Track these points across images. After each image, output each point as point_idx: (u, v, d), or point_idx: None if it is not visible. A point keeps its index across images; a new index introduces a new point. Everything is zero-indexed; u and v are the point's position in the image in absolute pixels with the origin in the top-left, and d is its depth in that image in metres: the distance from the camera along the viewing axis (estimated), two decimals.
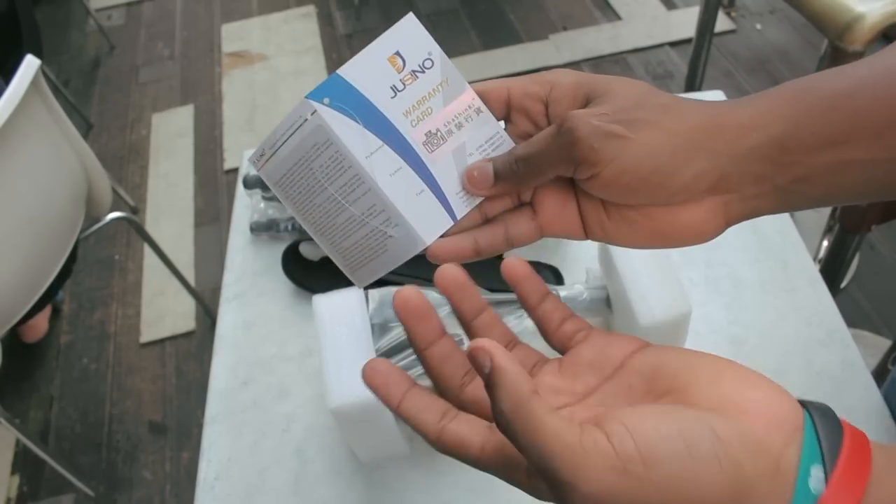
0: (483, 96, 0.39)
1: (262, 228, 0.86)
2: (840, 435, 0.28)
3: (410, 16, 0.39)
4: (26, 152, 1.15)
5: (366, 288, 0.63)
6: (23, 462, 1.67)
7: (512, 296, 0.70)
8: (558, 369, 0.36)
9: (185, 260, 1.98)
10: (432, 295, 0.68)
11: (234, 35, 2.73)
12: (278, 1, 2.84)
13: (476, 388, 0.35)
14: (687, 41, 2.31)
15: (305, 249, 0.83)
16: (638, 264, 0.63)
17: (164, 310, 1.90)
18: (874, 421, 0.65)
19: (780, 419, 0.29)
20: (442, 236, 0.39)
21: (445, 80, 0.39)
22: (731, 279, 0.77)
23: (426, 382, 0.39)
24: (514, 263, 0.38)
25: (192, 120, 2.42)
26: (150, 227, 2.06)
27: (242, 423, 0.72)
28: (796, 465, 0.27)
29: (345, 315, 0.62)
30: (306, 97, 0.37)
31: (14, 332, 1.81)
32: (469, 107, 0.39)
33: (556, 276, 0.77)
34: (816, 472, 0.27)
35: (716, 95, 0.92)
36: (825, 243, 1.35)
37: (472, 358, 0.28)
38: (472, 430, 0.32)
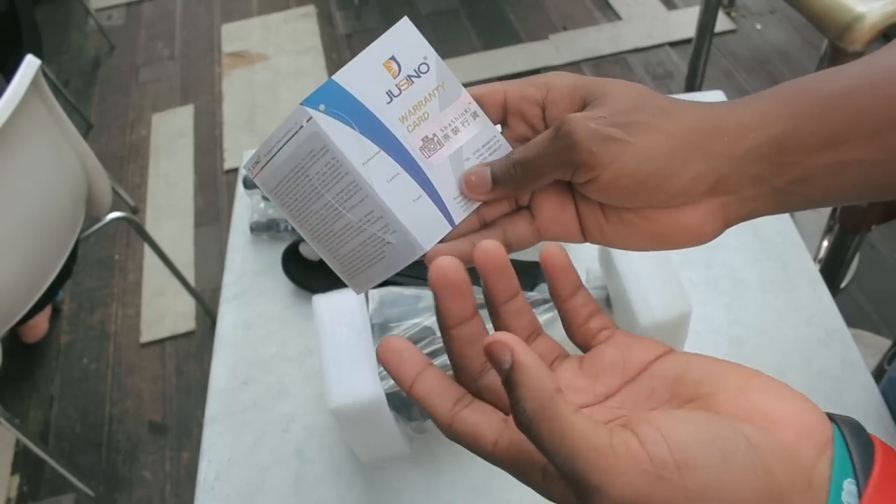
0: (479, 100, 0.39)
1: (262, 228, 0.86)
2: (871, 449, 0.28)
3: (405, 20, 0.38)
4: (26, 152, 1.15)
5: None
6: (23, 462, 1.67)
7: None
8: (579, 367, 0.34)
9: (185, 260, 1.98)
10: (432, 294, 0.68)
11: (234, 35, 2.73)
12: (278, 1, 2.84)
13: (495, 376, 0.34)
14: (687, 41, 2.31)
15: (305, 249, 0.83)
16: (638, 264, 0.63)
17: (164, 310, 1.90)
18: (874, 421, 0.65)
19: (811, 430, 0.28)
20: (440, 241, 0.38)
21: (441, 84, 0.39)
22: (731, 279, 0.77)
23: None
24: (554, 252, 0.35)
25: (192, 120, 2.42)
26: (150, 227, 2.06)
27: (242, 423, 0.72)
28: (828, 479, 0.27)
29: (345, 315, 0.62)
30: (301, 104, 0.37)
31: (14, 332, 1.81)
32: (465, 111, 0.39)
33: None
34: (849, 487, 0.27)
35: (716, 96, 0.92)
36: (825, 243, 1.35)
37: (490, 353, 0.26)
38: (487, 422, 0.31)
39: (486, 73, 2.35)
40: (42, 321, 1.86)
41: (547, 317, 0.68)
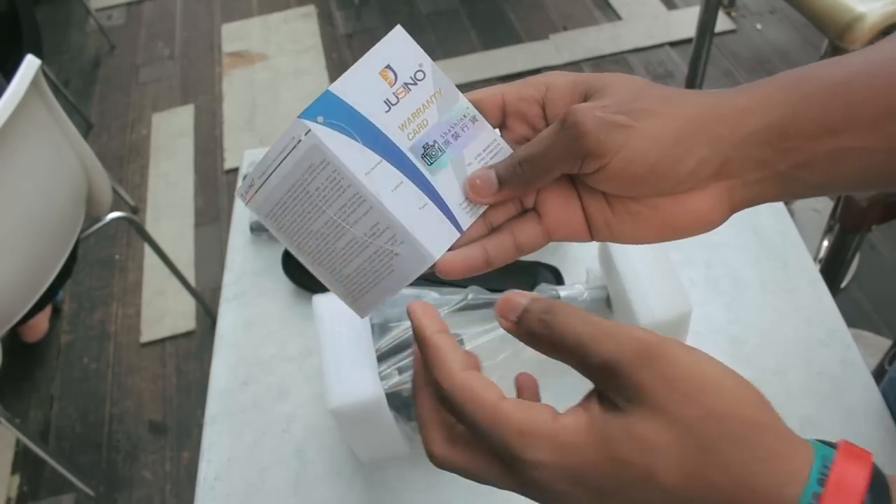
0: (477, 104, 0.39)
1: (263, 228, 0.86)
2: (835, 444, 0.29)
3: (398, 28, 0.38)
4: (26, 152, 1.15)
5: None
6: (23, 462, 1.67)
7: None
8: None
9: (185, 260, 1.98)
10: (432, 295, 0.68)
11: (235, 35, 2.73)
12: (278, 1, 2.84)
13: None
14: (687, 41, 2.31)
15: None
16: (638, 264, 0.63)
17: (164, 310, 1.90)
18: (874, 421, 0.65)
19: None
20: (448, 249, 0.38)
21: (438, 90, 0.38)
22: (731, 279, 0.77)
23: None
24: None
25: (192, 120, 2.42)
26: (151, 227, 2.06)
27: (242, 423, 0.72)
28: (809, 442, 0.29)
29: (345, 315, 0.62)
30: (299, 117, 0.36)
31: (14, 332, 1.81)
32: (464, 116, 0.39)
33: (556, 276, 0.77)
34: (827, 445, 0.29)
35: None
36: (825, 243, 1.35)
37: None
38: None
39: (486, 73, 2.35)
40: (42, 321, 1.86)
41: None
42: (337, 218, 0.38)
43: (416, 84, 0.38)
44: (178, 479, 1.61)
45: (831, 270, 1.12)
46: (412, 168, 0.38)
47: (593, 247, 0.70)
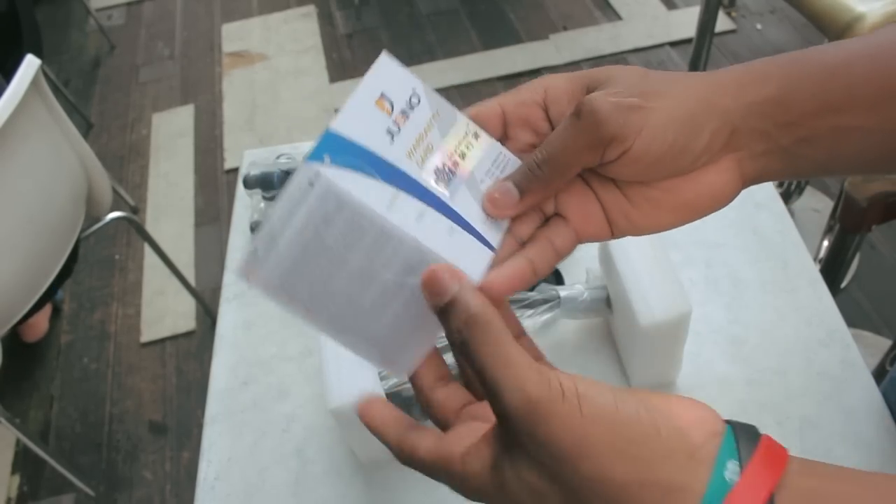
0: (477, 119, 0.38)
1: None
2: (757, 441, 0.29)
3: (384, 55, 0.37)
4: (27, 152, 1.15)
5: None
6: (23, 462, 1.67)
7: (511, 296, 0.70)
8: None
9: (185, 260, 1.98)
10: None
11: (235, 35, 2.73)
12: (278, 1, 2.84)
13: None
14: (687, 41, 2.31)
15: None
16: (638, 264, 0.63)
17: (164, 309, 1.90)
18: (874, 421, 0.65)
19: (704, 420, 0.30)
20: (490, 269, 0.37)
21: (436, 112, 0.37)
22: (731, 279, 0.77)
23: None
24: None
25: (192, 120, 2.42)
26: (151, 227, 2.06)
27: (242, 423, 0.72)
28: (714, 458, 0.29)
29: None
30: (305, 160, 0.34)
31: (14, 332, 1.81)
32: (466, 133, 0.38)
33: (556, 276, 0.77)
34: (732, 466, 0.28)
35: None
36: (825, 243, 1.35)
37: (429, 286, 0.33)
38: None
39: (486, 73, 2.35)
40: (42, 321, 1.86)
41: (546, 317, 0.68)
42: (364, 265, 0.35)
43: (413, 109, 0.37)
44: (178, 479, 1.61)
45: (831, 270, 1.12)
46: (430, 195, 0.36)
47: (593, 246, 0.70)
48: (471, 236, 0.37)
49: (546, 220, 0.39)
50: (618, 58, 2.37)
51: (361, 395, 0.38)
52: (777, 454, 0.29)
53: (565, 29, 2.51)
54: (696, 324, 0.72)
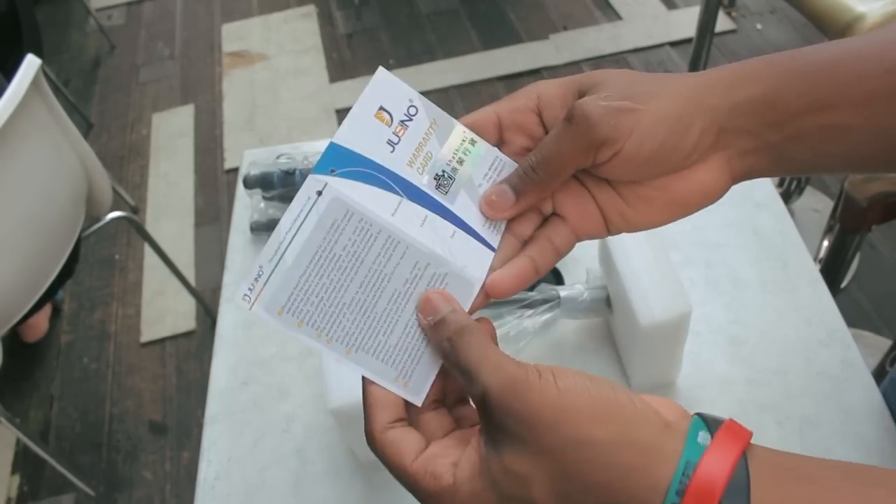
0: (473, 126, 0.40)
1: (263, 228, 0.86)
2: (722, 421, 0.31)
3: (381, 70, 0.38)
4: (27, 152, 1.15)
5: None
6: (23, 461, 1.67)
7: (513, 296, 0.70)
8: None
9: (185, 260, 1.98)
10: None
11: (235, 35, 2.73)
12: (278, 1, 2.84)
13: None
14: (687, 41, 2.31)
15: None
16: (638, 264, 0.63)
17: (164, 309, 1.90)
18: (874, 421, 0.65)
19: (671, 405, 0.32)
20: (490, 270, 0.39)
21: (434, 121, 0.39)
22: (731, 279, 0.77)
23: None
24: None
25: (192, 120, 2.42)
26: (151, 227, 2.06)
27: (242, 423, 0.72)
28: (685, 430, 0.31)
29: None
30: (311, 173, 0.35)
31: (14, 332, 1.81)
32: (463, 140, 0.39)
33: (556, 276, 0.77)
34: (703, 434, 0.30)
35: None
36: (825, 243, 1.35)
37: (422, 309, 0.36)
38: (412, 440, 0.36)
39: (486, 73, 2.35)
40: (42, 321, 1.86)
41: (546, 317, 0.68)
42: (374, 269, 0.36)
43: (411, 120, 0.38)
44: (178, 479, 1.61)
45: (831, 270, 1.11)
46: (432, 201, 0.38)
47: (593, 247, 0.70)
48: (472, 238, 0.38)
49: (545, 220, 0.40)
50: (618, 58, 2.37)
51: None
52: (741, 429, 0.30)
53: (565, 29, 2.51)
54: (696, 324, 0.72)
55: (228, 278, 0.85)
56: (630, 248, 0.64)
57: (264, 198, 0.87)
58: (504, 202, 0.38)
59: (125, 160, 2.33)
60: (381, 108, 0.38)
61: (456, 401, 0.39)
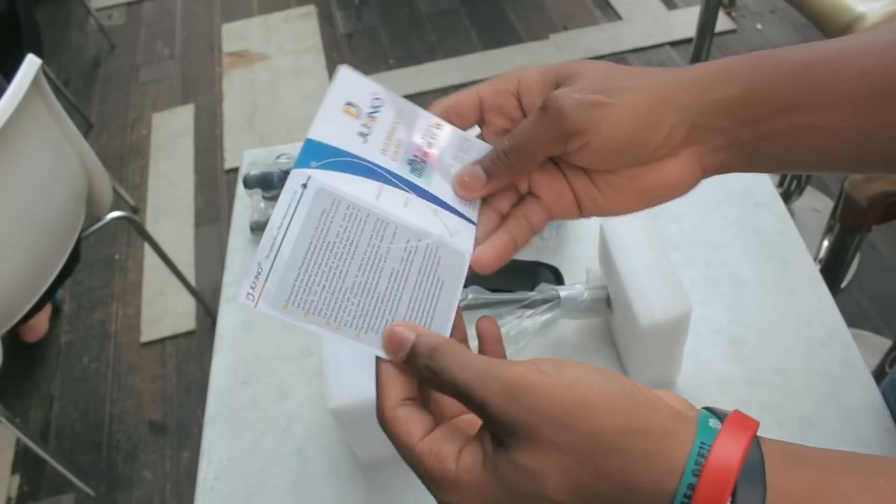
0: (455, 106, 0.41)
1: (262, 228, 0.86)
2: (728, 412, 0.31)
3: (343, 67, 0.40)
4: (27, 152, 1.15)
5: None
6: (23, 461, 1.67)
7: (512, 296, 0.71)
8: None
9: (185, 259, 1.98)
10: None
11: (235, 35, 2.73)
12: (278, 1, 2.84)
13: None
14: (687, 41, 2.31)
15: None
16: (638, 264, 0.63)
17: (164, 309, 1.90)
18: (874, 421, 0.65)
19: (678, 399, 0.33)
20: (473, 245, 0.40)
21: (399, 111, 0.41)
22: (731, 279, 0.77)
23: None
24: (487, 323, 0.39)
25: (192, 119, 2.42)
26: (151, 227, 2.06)
27: (242, 423, 0.72)
28: (695, 418, 0.31)
29: None
30: (293, 168, 0.36)
31: (14, 332, 1.81)
32: (428, 125, 0.41)
33: (556, 276, 0.77)
34: (713, 421, 0.31)
35: None
36: (825, 243, 1.35)
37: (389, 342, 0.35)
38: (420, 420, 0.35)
39: (486, 72, 2.34)
40: (42, 321, 1.86)
41: (546, 317, 0.68)
42: (369, 253, 0.37)
43: (378, 111, 0.40)
44: (178, 479, 1.61)
45: (831, 270, 1.12)
46: (409, 183, 0.40)
47: (593, 247, 0.70)
48: (452, 214, 0.40)
49: (521, 198, 0.42)
50: (618, 58, 2.37)
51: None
52: (749, 418, 0.31)
53: (565, 29, 2.51)
54: (696, 324, 0.72)
55: (228, 278, 0.85)
56: (630, 248, 0.64)
57: (264, 198, 0.87)
58: (476, 183, 0.40)
59: (125, 160, 2.33)
60: (348, 103, 0.40)
61: None
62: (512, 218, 0.41)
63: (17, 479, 1.65)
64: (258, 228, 0.86)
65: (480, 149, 0.42)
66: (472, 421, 0.35)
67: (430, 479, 0.33)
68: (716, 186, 0.82)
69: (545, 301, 0.68)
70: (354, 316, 0.36)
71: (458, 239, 0.39)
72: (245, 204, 0.90)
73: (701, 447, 0.29)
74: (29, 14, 1.50)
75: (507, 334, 0.66)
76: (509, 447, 0.31)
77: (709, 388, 0.69)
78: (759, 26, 2.42)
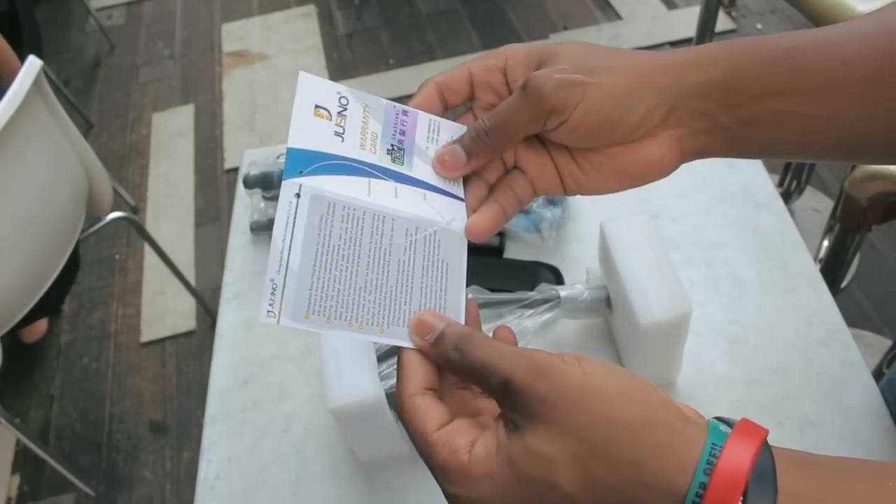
0: (448, 82, 0.42)
1: (262, 228, 0.86)
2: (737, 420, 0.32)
3: (302, 74, 0.41)
4: (28, 153, 1.15)
5: None
6: (23, 461, 1.67)
7: (512, 296, 0.71)
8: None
9: (185, 259, 1.98)
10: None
11: (235, 35, 2.73)
12: (278, 1, 2.84)
13: None
14: (687, 41, 2.31)
15: None
16: (638, 264, 0.63)
17: (164, 309, 1.90)
18: (873, 421, 0.65)
19: (686, 406, 0.33)
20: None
21: (365, 105, 0.42)
22: (731, 279, 0.77)
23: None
24: None
25: (192, 119, 2.42)
26: (151, 227, 2.06)
27: (242, 423, 0.72)
28: (705, 423, 0.31)
29: None
30: (283, 180, 0.37)
31: (14, 332, 1.81)
32: (396, 114, 0.42)
33: (556, 276, 0.77)
34: (723, 426, 0.31)
35: None
36: (825, 243, 1.35)
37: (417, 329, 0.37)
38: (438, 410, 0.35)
39: None
40: (42, 321, 1.86)
41: (546, 317, 0.68)
42: (373, 249, 0.38)
43: (346, 109, 0.41)
44: (178, 479, 1.61)
45: (831, 270, 1.12)
46: (394, 173, 0.40)
47: (593, 247, 0.70)
48: (440, 195, 0.41)
49: (508, 172, 0.43)
50: None
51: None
52: (758, 426, 0.31)
53: (565, 29, 2.51)
54: (696, 324, 0.72)
55: (228, 278, 0.85)
56: (630, 248, 0.64)
57: (264, 198, 0.87)
58: (456, 162, 0.41)
59: (125, 160, 2.33)
60: (317, 107, 0.40)
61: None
62: (500, 189, 0.43)
63: (17, 479, 1.65)
64: (258, 228, 0.86)
65: (450, 128, 0.43)
66: (486, 422, 0.35)
67: (441, 469, 0.33)
68: (716, 186, 0.82)
69: (545, 301, 0.68)
70: (374, 314, 0.37)
71: (452, 217, 0.40)
72: (245, 204, 0.90)
73: (713, 447, 0.29)
74: (29, 14, 1.50)
75: None
76: (524, 430, 0.31)
77: (709, 388, 0.69)
78: (759, 26, 2.42)
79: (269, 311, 0.35)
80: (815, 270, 0.77)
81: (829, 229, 1.37)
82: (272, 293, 0.35)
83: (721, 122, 0.39)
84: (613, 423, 0.30)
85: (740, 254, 0.79)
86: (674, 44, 2.38)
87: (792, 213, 0.92)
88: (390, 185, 0.40)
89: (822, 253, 1.28)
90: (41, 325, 1.86)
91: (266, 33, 2.71)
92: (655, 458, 0.29)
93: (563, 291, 0.69)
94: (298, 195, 0.37)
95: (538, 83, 0.38)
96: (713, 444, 0.29)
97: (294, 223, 0.36)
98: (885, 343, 1.50)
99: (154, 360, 1.81)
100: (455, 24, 2.59)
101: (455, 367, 0.36)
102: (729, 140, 0.39)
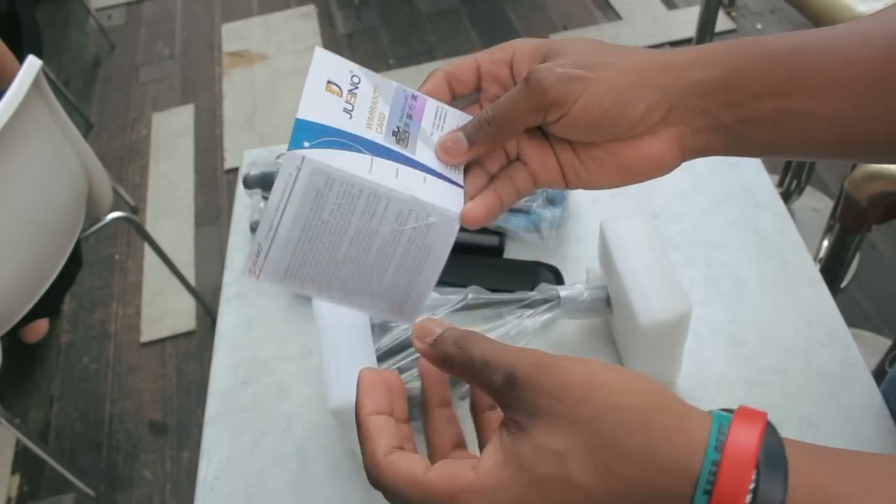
0: (456, 72, 0.43)
1: None
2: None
3: (318, 49, 0.42)
4: (28, 153, 1.15)
5: None
6: (23, 461, 1.67)
7: (512, 296, 0.71)
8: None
9: (185, 259, 1.98)
10: (432, 295, 0.68)
11: (235, 35, 2.73)
12: (278, 0, 2.84)
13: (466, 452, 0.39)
14: (687, 41, 2.31)
15: None
16: (638, 264, 0.63)
17: (164, 309, 1.90)
18: (873, 421, 0.65)
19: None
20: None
21: (376, 86, 0.43)
22: (731, 279, 0.77)
23: (417, 384, 0.42)
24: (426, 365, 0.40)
25: (192, 119, 2.42)
26: (151, 227, 2.06)
27: (242, 423, 0.72)
28: (710, 414, 0.31)
29: (345, 315, 0.62)
30: (288, 150, 0.38)
31: (14, 333, 1.81)
32: (405, 98, 0.43)
33: (556, 276, 0.77)
34: (724, 413, 0.31)
35: None
36: (825, 243, 1.35)
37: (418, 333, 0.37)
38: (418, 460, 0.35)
39: None
40: (42, 321, 1.86)
41: (546, 317, 0.68)
42: (361, 228, 0.39)
43: (357, 87, 0.42)
44: (178, 479, 1.61)
45: (831, 270, 1.12)
46: (397, 154, 0.41)
47: (593, 247, 0.70)
48: (440, 180, 0.42)
49: (510, 163, 0.44)
50: None
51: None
52: (757, 410, 0.31)
53: (565, 29, 2.51)
54: (696, 324, 0.72)
55: (228, 278, 0.85)
56: (630, 248, 0.64)
57: (264, 198, 0.87)
58: (458, 149, 0.41)
59: (125, 160, 2.33)
60: (329, 82, 0.41)
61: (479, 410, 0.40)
62: (499, 179, 0.43)
63: (17, 479, 1.65)
64: (258, 227, 0.86)
65: (456, 116, 0.44)
66: (469, 454, 0.36)
67: (451, 499, 0.32)
68: (716, 186, 0.82)
69: (545, 301, 0.68)
70: (345, 283, 0.40)
71: (449, 202, 0.41)
72: (245, 204, 0.90)
73: (720, 426, 0.29)
74: (29, 14, 1.50)
75: (507, 334, 0.66)
76: (530, 430, 0.31)
77: (709, 388, 0.69)
78: (759, 26, 2.42)
79: (251, 269, 0.39)
80: (815, 270, 0.77)
81: (829, 229, 1.37)
82: (257, 255, 0.39)
83: (722, 121, 0.39)
84: (621, 410, 0.30)
85: (740, 254, 0.79)
86: (674, 44, 2.38)
87: (792, 213, 0.92)
88: (392, 165, 0.40)
89: (822, 253, 1.28)
90: (42, 326, 1.86)
91: (266, 33, 2.71)
92: (667, 440, 0.29)
93: (563, 291, 0.69)
94: (299, 167, 0.38)
95: (540, 76, 0.38)
96: (720, 423, 0.29)
97: (290, 195, 0.38)
98: (885, 343, 1.50)
99: (154, 360, 1.81)
100: (455, 24, 2.59)
101: (456, 365, 0.36)
102: (730, 138, 0.40)
